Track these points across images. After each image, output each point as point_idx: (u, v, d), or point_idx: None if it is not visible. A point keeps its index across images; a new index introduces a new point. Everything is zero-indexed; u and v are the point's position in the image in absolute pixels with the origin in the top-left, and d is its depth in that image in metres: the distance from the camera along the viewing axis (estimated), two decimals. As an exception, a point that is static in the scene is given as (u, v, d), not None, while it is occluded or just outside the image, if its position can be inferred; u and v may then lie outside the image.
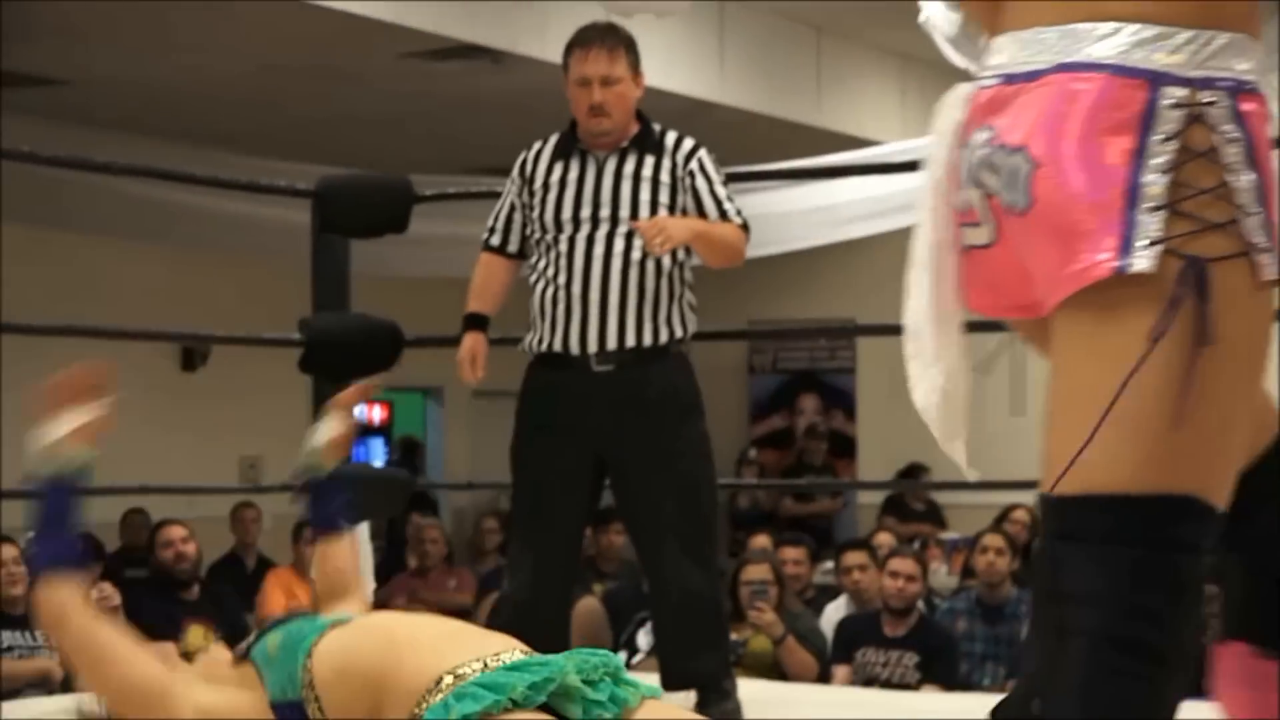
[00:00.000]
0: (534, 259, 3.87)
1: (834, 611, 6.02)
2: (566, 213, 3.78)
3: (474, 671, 2.19)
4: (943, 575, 7.68)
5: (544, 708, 2.17)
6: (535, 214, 3.83)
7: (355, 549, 2.85)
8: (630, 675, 2.31)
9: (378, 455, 12.30)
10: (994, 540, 6.14)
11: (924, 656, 5.41)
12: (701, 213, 3.80)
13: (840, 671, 5.47)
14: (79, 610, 2.33)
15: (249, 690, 2.34)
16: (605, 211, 3.77)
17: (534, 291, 3.83)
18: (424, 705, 2.18)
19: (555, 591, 3.87)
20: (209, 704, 2.32)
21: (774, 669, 5.34)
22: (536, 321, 3.82)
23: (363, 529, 4.68)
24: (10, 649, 5.37)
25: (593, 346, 3.74)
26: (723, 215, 3.81)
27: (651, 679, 4.04)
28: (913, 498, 9.63)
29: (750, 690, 4.17)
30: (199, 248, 8.84)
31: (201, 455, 8.72)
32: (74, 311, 7.07)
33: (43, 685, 5.28)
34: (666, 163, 3.79)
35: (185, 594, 6.17)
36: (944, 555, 8.12)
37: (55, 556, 2.38)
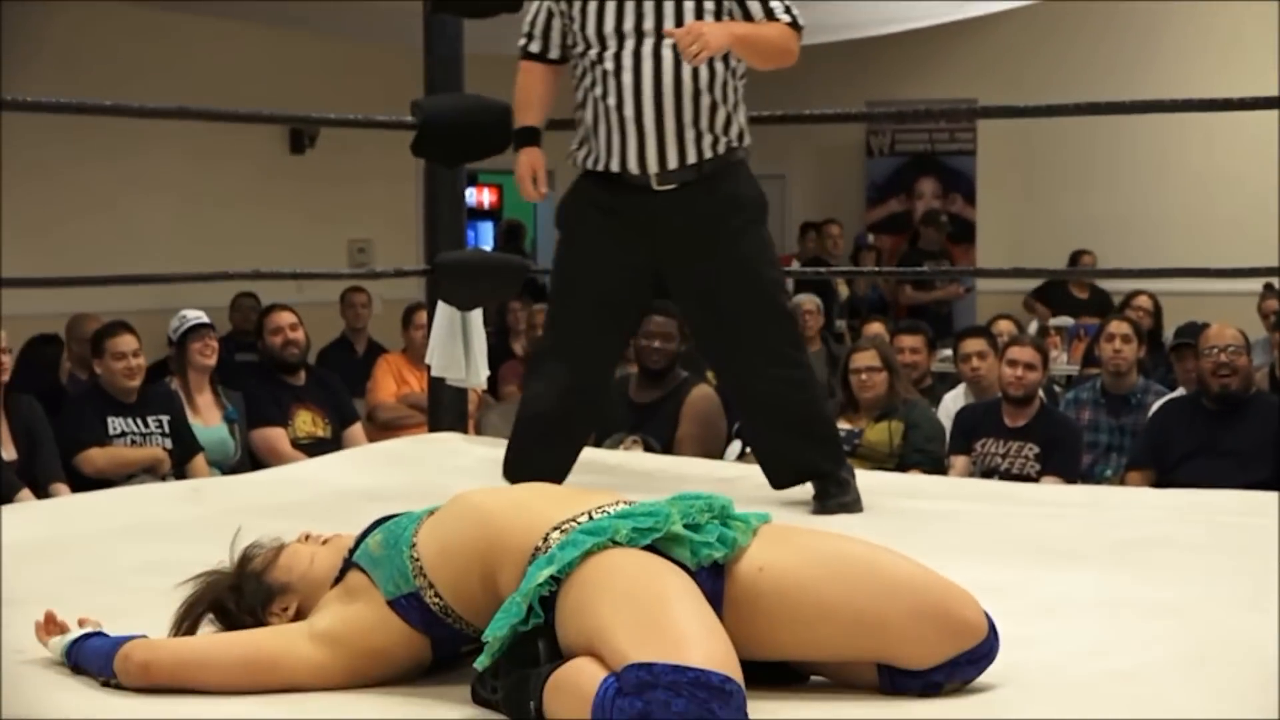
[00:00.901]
0: (578, 72, 3.69)
1: (951, 401, 5.88)
2: (609, 25, 3.59)
3: (579, 523, 2.14)
4: (1062, 363, 7.49)
5: (652, 551, 2.11)
6: (575, 25, 3.64)
7: None
8: (740, 510, 2.24)
9: (487, 240, 12.24)
10: (1119, 327, 5.95)
11: (1045, 447, 5.26)
12: (747, 14, 3.58)
13: (958, 462, 5.35)
14: (153, 649, 2.27)
15: (358, 600, 2.28)
16: (649, 23, 3.56)
17: (583, 108, 3.68)
18: (533, 561, 2.13)
19: (585, 409, 3.83)
20: (323, 629, 2.26)
21: (892, 459, 5.23)
22: (590, 138, 3.67)
23: (476, 315, 4.60)
24: (122, 435, 5.40)
25: (653, 166, 3.61)
26: (769, 14, 3.58)
27: (753, 469, 3.95)
28: (1076, 286, 9.25)
29: (867, 481, 4.08)
30: (308, 28, 8.69)
31: (310, 239, 8.69)
32: (185, 93, 6.99)
33: (153, 471, 5.31)
34: None
35: (294, 379, 6.16)
36: (1063, 342, 7.91)
37: (99, 653, 2.32)
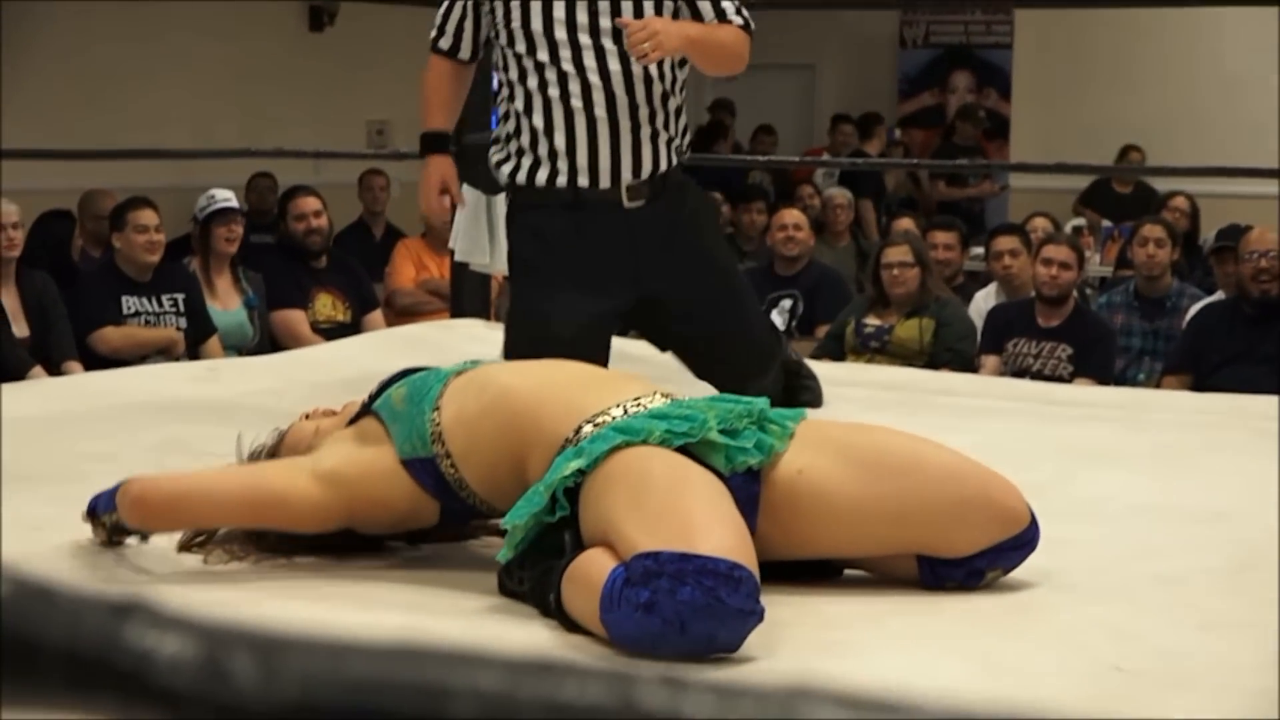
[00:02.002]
0: (510, 73, 3.26)
1: (983, 300, 5.77)
2: (559, 20, 3.17)
3: (613, 418, 2.09)
4: (1095, 264, 7.37)
5: (685, 453, 2.06)
6: (516, 23, 3.21)
7: None
8: (775, 412, 2.20)
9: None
10: (1154, 230, 5.82)
11: (1078, 348, 5.17)
12: (697, 14, 3.23)
13: (989, 362, 5.26)
14: (153, 481, 2.25)
15: (370, 447, 2.24)
16: (605, 21, 3.17)
17: (526, 115, 3.23)
18: (562, 452, 2.09)
19: None
20: (328, 468, 2.22)
21: (922, 356, 5.15)
22: (534, 149, 3.22)
23: (501, 199, 4.50)
24: (136, 314, 5.32)
25: (627, 177, 3.22)
26: (720, 15, 3.24)
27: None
28: (1119, 183, 8.85)
29: (897, 377, 4.01)
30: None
31: (328, 120, 8.57)
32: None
33: (167, 353, 5.25)
34: None
35: (315, 263, 6.07)
36: (1096, 243, 7.79)
37: (107, 492, 2.30)
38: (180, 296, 5.40)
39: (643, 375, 2.37)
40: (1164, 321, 5.61)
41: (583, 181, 3.21)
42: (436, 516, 2.25)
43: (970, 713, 0.46)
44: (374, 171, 7.73)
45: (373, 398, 2.32)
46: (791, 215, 6.37)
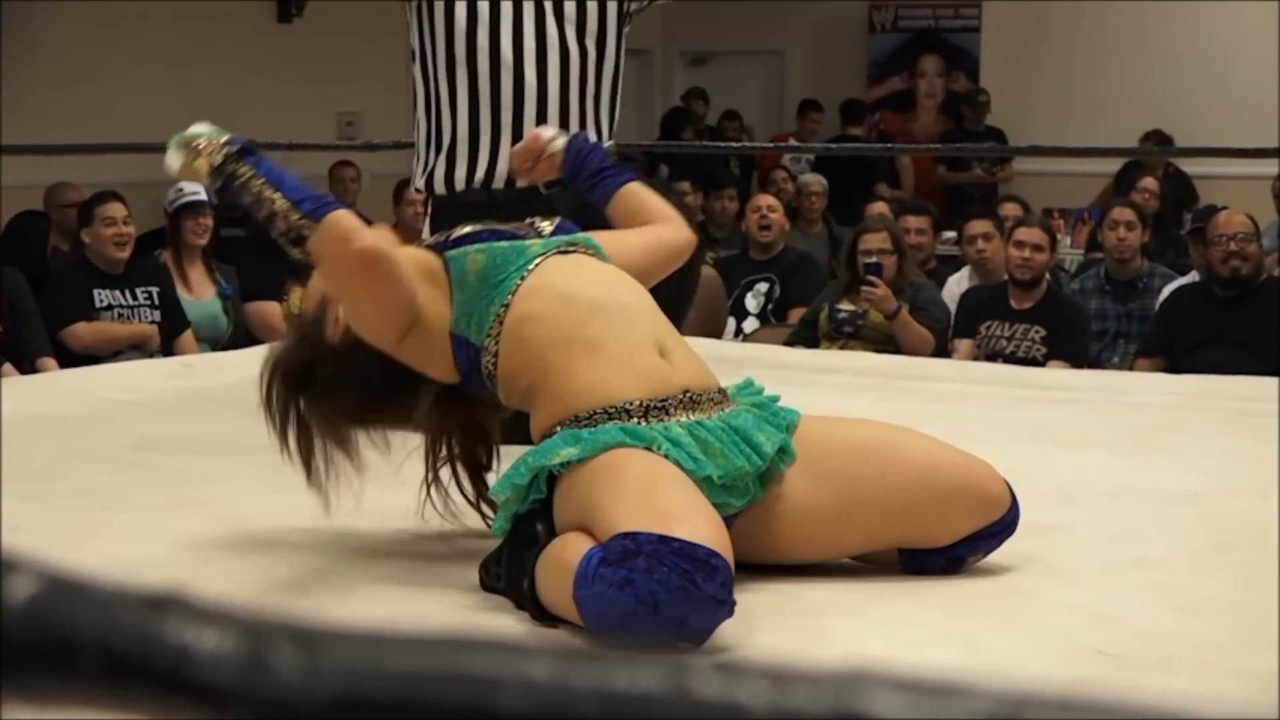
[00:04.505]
0: (435, 66, 3.20)
1: (956, 284, 5.79)
2: (483, 14, 3.11)
3: (628, 414, 2.07)
4: (1066, 247, 7.40)
5: None
6: (440, 27, 3.15)
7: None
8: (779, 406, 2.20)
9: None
10: (1123, 213, 5.85)
11: (1052, 330, 5.18)
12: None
13: (963, 345, 5.27)
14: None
15: (434, 290, 2.19)
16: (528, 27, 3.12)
17: (451, 111, 3.17)
18: (564, 426, 2.08)
19: None
20: (391, 262, 2.13)
21: (894, 342, 5.16)
22: (463, 146, 3.15)
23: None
24: (109, 308, 5.29)
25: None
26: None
27: (758, 350, 3.88)
28: (1151, 166, 8.22)
29: (874, 363, 4.01)
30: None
31: (298, 111, 8.53)
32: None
33: (141, 349, 5.22)
34: None
35: (287, 256, 6.03)
36: (1067, 226, 7.82)
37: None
38: (154, 290, 5.37)
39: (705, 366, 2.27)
40: (1136, 303, 5.63)
41: (498, 185, 3.14)
42: (453, 381, 2.23)
43: (1026, 694, 0.46)
44: (344, 163, 7.70)
45: (446, 243, 2.25)
46: (766, 199, 6.38)
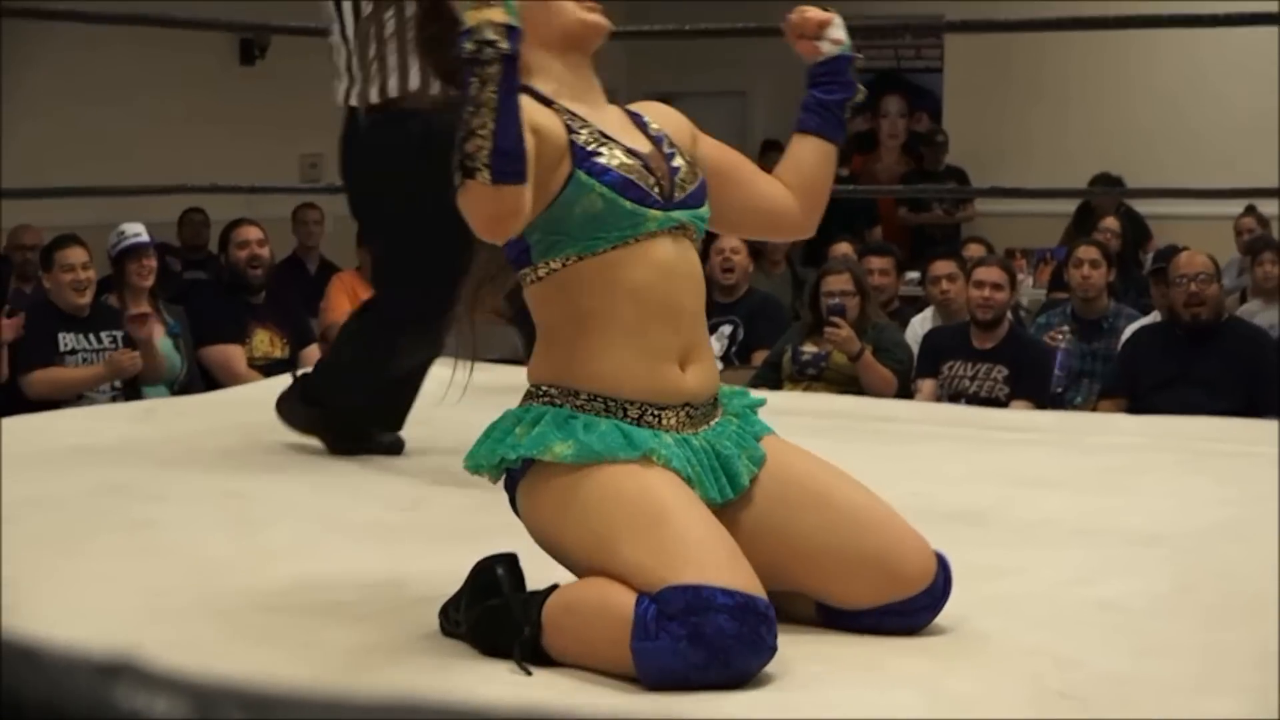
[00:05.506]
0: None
1: (920, 324, 5.81)
2: None
3: (624, 411, 2.05)
4: (1028, 287, 7.44)
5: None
6: None
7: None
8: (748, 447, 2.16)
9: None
10: (1088, 252, 5.88)
11: (1014, 369, 5.20)
12: None
13: (926, 385, 5.28)
14: None
15: (546, 166, 2.01)
16: None
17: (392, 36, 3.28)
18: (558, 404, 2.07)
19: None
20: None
21: (857, 383, 5.16)
22: (390, 66, 3.28)
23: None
24: (73, 351, 5.25)
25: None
26: None
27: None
28: (1104, 207, 8.23)
29: (837, 404, 4.01)
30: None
31: (261, 153, 8.51)
32: (132, 5, 6.78)
33: (105, 392, 5.18)
34: None
35: (254, 298, 6.02)
36: (1029, 266, 7.86)
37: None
38: (119, 333, 5.33)
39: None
40: (1101, 343, 5.65)
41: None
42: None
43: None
44: (308, 205, 7.68)
45: (586, 152, 2.07)
46: (729, 241, 6.39)
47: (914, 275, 6.88)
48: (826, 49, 2.36)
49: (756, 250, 7.59)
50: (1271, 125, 8.75)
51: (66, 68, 7.98)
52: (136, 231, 5.69)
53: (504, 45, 1.85)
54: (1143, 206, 8.68)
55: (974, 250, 6.56)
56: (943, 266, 5.90)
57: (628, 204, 2.05)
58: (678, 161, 2.15)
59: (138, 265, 5.63)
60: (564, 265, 2.05)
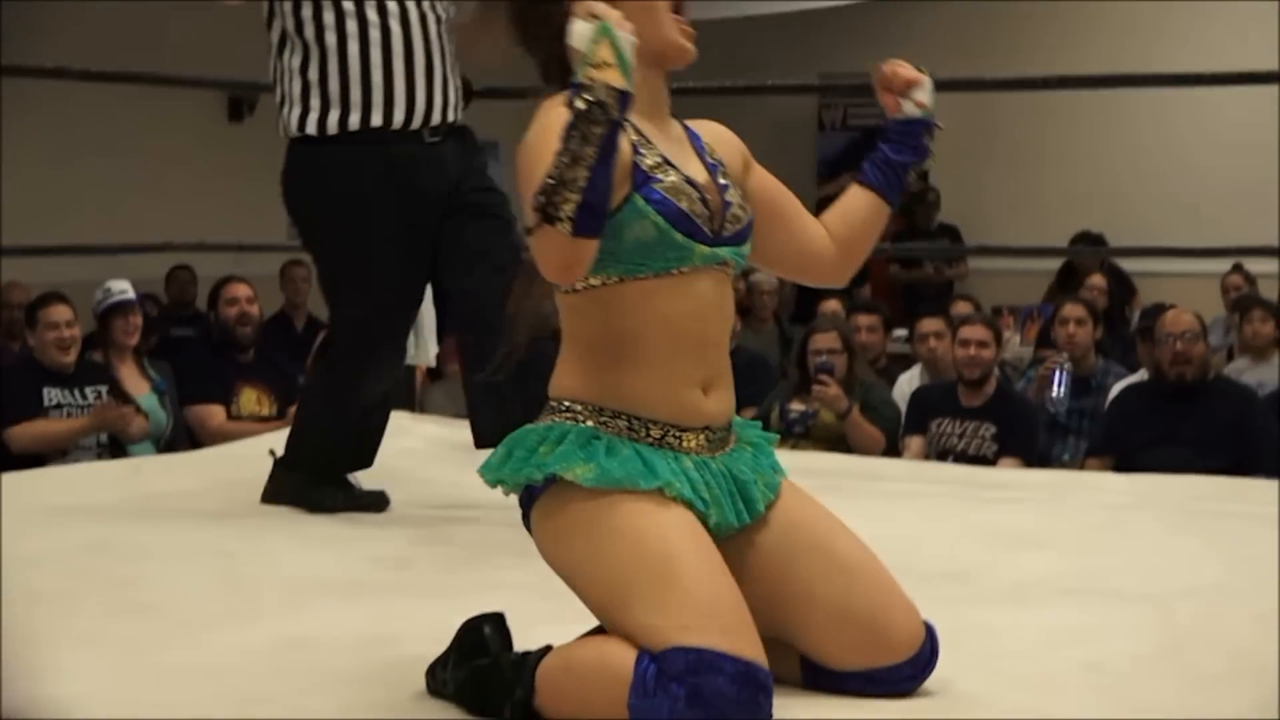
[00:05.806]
0: (324, 19, 3.35)
1: (907, 382, 5.81)
2: None
3: (646, 431, 2.05)
4: (1015, 345, 7.45)
5: None
6: None
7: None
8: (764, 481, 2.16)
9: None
10: (1074, 310, 5.90)
11: (1002, 427, 5.21)
12: None
13: (914, 442, 5.29)
14: None
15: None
16: None
17: (340, 56, 3.33)
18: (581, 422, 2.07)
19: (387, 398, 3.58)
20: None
21: (845, 441, 5.16)
22: (352, 92, 3.33)
23: (426, 290, 4.48)
24: (58, 406, 5.24)
25: (436, 118, 3.36)
26: None
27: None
28: (1087, 265, 8.33)
29: (825, 463, 4.01)
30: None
31: (248, 210, 8.53)
32: (119, 59, 6.81)
33: (91, 449, 5.17)
34: None
35: (242, 356, 6.02)
36: (1015, 324, 7.88)
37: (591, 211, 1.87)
38: (104, 389, 5.32)
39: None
40: (1090, 400, 5.65)
41: (417, 121, 3.31)
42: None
43: None
44: (295, 262, 7.68)
45: (646, 175, 2.07)
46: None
47: (902, 333, 6.90)
48: (909, 110, 2.37)
49: (745, 308, 7.62)
50: (1255, 184, 8.82)
51: (54, 125, 8.00)
52: (123, 289, 5.71)
53: (614, 113, 1.86)
54: (1126, 263, 8.73)
55: (961, 307, 6.58)
56: (930, 324, 5.92)
57: (679, 237, 2.05)
58: (731, 195, 2.15)
59: (124, 322, 5.64)
60: (604, 284, 2.05)
